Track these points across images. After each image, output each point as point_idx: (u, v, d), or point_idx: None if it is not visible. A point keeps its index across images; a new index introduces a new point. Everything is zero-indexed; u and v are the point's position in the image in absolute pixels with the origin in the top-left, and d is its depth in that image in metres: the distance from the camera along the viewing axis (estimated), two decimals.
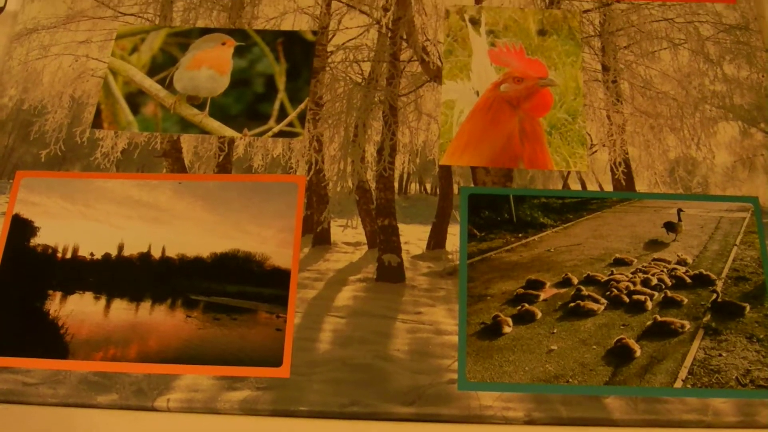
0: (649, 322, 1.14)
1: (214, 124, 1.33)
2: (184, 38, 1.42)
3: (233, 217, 1.23)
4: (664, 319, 1.14)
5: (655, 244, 1.24)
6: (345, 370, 1.11)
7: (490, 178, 1.28)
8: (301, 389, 1.09)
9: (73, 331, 1.14)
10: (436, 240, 1.24)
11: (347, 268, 1.22)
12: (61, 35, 1.44)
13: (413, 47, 1.41)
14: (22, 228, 1.23)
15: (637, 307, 1.17)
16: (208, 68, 1.37)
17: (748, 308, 1.15)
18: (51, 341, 1.14)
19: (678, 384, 1.07)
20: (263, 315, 1.16)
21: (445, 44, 1.40)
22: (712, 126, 1.33)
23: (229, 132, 1.32)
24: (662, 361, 1.10)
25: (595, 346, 1.12)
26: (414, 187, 1.31)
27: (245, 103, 1.34)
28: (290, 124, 1.33)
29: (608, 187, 1.28)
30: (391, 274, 1.21)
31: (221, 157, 1.30)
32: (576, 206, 1.28)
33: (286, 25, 1.43)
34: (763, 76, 1.37)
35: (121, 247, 1.22)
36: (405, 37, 1.42)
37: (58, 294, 1.18)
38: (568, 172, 1.29)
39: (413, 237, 1.25)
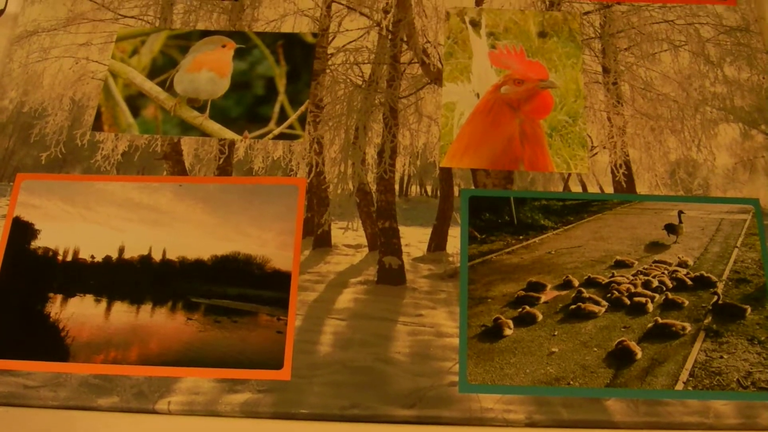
0: (650, 325, 1.14)
1: (215, 127, 1.33)
2: (185, 41, 1.41)
3: (234, 220, 1.23)
4: (665, 321, 1.14)
5: (655, 246, 1.24)
6: (346, 372, 1.11)
7: (491, 180, 1.28)
8: (302, 392, 1.09)
9: (73, 333, 1.14)
10: (437, 242, 1.24)
11: (348, 271, 1.22)
12: (62, 38, 1.44)
13: (413, 49, 1.41)
14: (22, 230, 1.23)
15: (638, 310, 1.17)
16: (209, 71, 1.37)
17: (749, 310, 1.15)
18: (52, 344, 1.14)
19: (679, 386, 1.07)
20: (264, 317, 1.16)
21: (446, 46, 1.40)
22: (713, 128, 1.33)
23: (229, 134, 1.32)
24: (663, 363, 1.10)
25: (596, 349, 1.12)
26: (414, 190, 1.31)
27: (246, 106, 1.34)
28: (291, 127, 1.32)
29: (609, 189, 1.28)
30: (391, 276, 1.21)
31: (222, 160, 1.30)
32: (577, 208, 1.27)
33: (287, 28, 1.43)
34: (763, 78, 1.37)
35: (121, 250, 1.22)
36: (405, 39, 1.42)
37: (59, 297, 1.18)
38: (569, 174, 1.29)
39: (414, 239, 1.25)
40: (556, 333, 1.14)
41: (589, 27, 1.42)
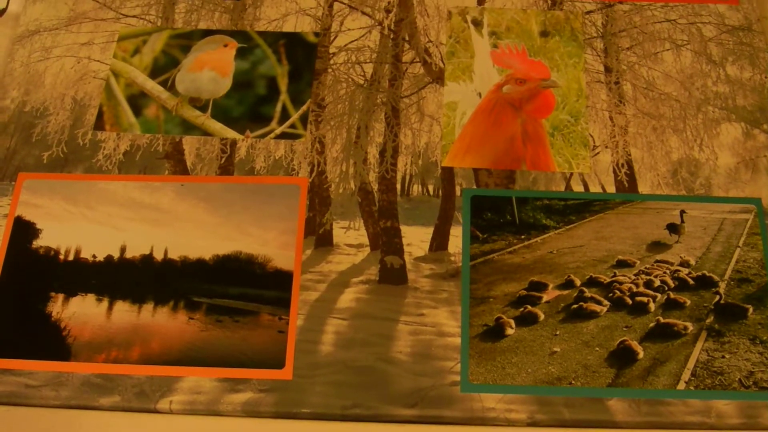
0: (651, 324, 1.14)
1: (216, 126, 1.33)
2: (186, 40, 1.41)
3: (235, 219, 1.23)
4: (666, 320, 1.14)
5: (657, 246, 1.24)
6: (347, 372, 1.11)
7: (493, 179, 1.27)
8: (304, 391, 1.09)
9: (75, 333, 1.14)
10: (439, 242, 1.24)
11: (349, 270, 1.22)
12: (63, 37, 1.44)
13: (415, 49, 1.40)
14: (24, 230, 1.23)
15: (640, 309, 1.17)
16: (210, 70, 1.37)
17: (751, 310, 1.15)
18: (53, 343, 1.14)
19: (681, 386, 1.07)
20: (265, 317, 1.16)
21: (448, 46, 1.40)
22: (715, 127, 1.33)
23: (231, 134, 1.32)
24: (665, 363, 1.10)
25: (597, 348, 1.11)
26: (416, 189, 1.31)
27: (247, 105, 1.34)
28: (292, 126, 1.32)
29: (611, 189, 1.28)
30: (393, 276, 1.21)
31: (223, 159, 1.30)
32: (579, 208, 1.27)
33: (288, 27, 1.43)
34: (766, 78, 1.37)
35: (123, 249, 1.22)
36: (407, 38, 1.42)
37: (61, 296, 1.18)
38: (571, 174, 1.29)
39: (416, 239, 1.25)
40: (557, 333, 1.14)
41: (591, 26, 1.42)
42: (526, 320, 1.15)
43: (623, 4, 1.44)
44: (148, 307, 1.17)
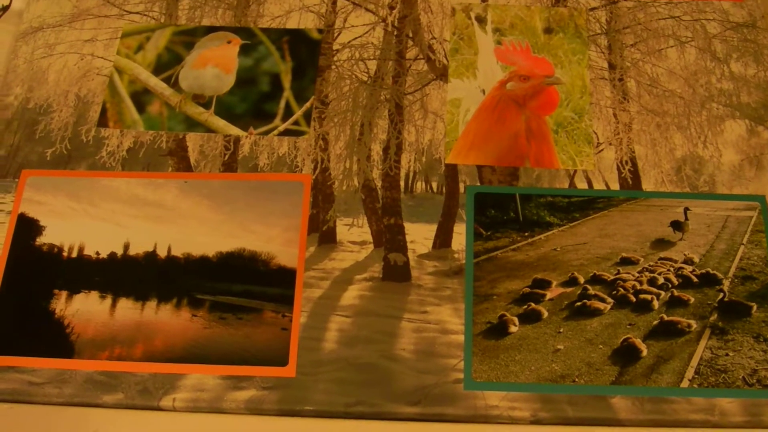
0: (655, 322, 1.14)
1: (220, 123, 1.33)
2: (190, 36, 1.41)
3: (239, 216, 1.23)
4: (670, 318, 1.14)
5: (661, 243, 1.24)
6: (351, 369, 1.11)
7: (497, 176, 1.27)
8: (307, 389, 1.09)
9: (78, 330, 1.14)
10: (442, 239, 1.24)
11: (353, 267, 1.22)
12: (67, 34, 1.44)
13: (419, 45, 1.40)
14: (27, 227, 1.23)
15: (644, 307, 1.17)
16: (214, 67, 1.37)
17: (755, 307, 1.15)
18: (56, 340, 1.14)
19: (684, 384, 1.07)
20: (269, 314, 1.16)
21: (451, 42, 1.39)
22: (719, 124, 1.33)
23: (234, 130, 1.32)
24: (669, 360, 1.10)
25: (601, 346, 1.11)
26: (420, 186, 1.31)
27: (251, 102, 1.34)
28: (296, 123, 1.32)
29: (615, 186, 1.28)
30: (397, 273, 1.21)
31: (227, 156, 1.30)
32: (582, 205, 1.27)
33: (292, 23, 1.43)
34: None
35: (126, 246, 1.22)
36: (411, 35, 1.41)
37: (64, 293, 1.18)
38: (575, 171, 1.28)
39: (419, 236, 1.25)
40: (561, 330, 1.14)
41: (595, 23, 1.42)
42: (529, 318, 1.15)
43: (627, 0, 1.44)
44: (152, 304, 1.17)
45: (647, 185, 1.28)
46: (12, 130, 1.35)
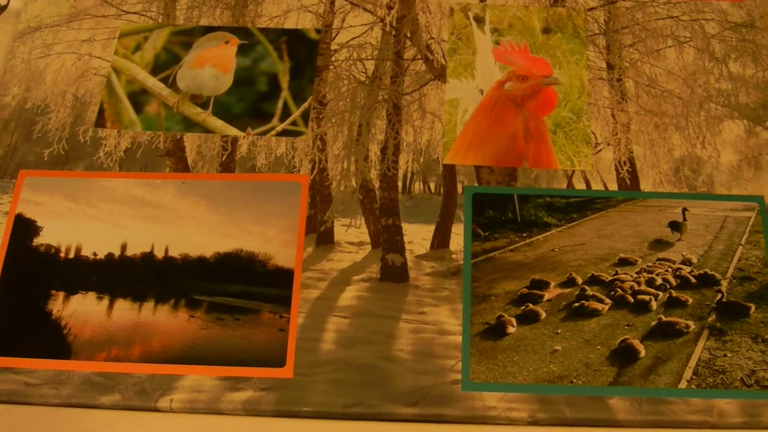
0: (653, 323, 1.14)
1: (218, 123, 1.32)
2: (188, 36, 1.41)
3: (236, 217, 1.23)
4: (668, 319, 1.14)
5: (659, 244, 1.23)
6: (348, 370, 1.11)
7: (495, 177, 1.27)
8: (305, 390, 1.09)
9: (75, 331, 1.14)
10: (440, 239, 1.24)
11: (351, 268, 1.22)
12: (64, 33, 1.44)
13: (417, 45, 1.40)
14: (25, 227, 1.23)
15: (642, 307, 1.16)
16: (212, 67, 1.37)
17: (753, 308, 1.15)
18: (54, 341, 1.14)
19: (682, 384, 1.07)
20: (266, 315, 1.15)
21: (450, 42, 1.39)
22: (718, 125, 1.33)
23: (232, 131, 1.32)
24: (667, 361, 1.10)
25: (599, 347, 1.11)
26: (418, 187, 1.30)
27: (248, 102, 1.34)
28: (294, 123, 1.32)
29: (613, 187, 1.28)
30: (394, 273, 1.21)
31: (224, 156, 1.30)
32: (580, 206, 1.27)
33: (290, 24, 1.43)
34: None
35: (123, 247, 1.21)
36: (409, 35, 1.41)
37: (61, 294, 1.18)
38: (573, 171, 1.28)
39: (417, 236, 1.25)
40: (559, 331, 1.14)
41: (594, 23, 1.42)
42: (527, 318, 1.15)
43: (626, 0, 1.44)
44: (149, 305, 1.17)
45: (645, 186, 1.28)
46: (9, 130, 1.35)
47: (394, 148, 1.31)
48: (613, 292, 1.18)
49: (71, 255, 1.21)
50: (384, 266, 1.22)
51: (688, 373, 1.08)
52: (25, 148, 1.33)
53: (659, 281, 1.19)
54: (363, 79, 1.38)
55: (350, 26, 1.43)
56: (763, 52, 1.38)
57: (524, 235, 1.25)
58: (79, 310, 1.16)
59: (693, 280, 1.19)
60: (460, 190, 1.27)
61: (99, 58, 1.41)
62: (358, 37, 1.42)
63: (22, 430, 1.09)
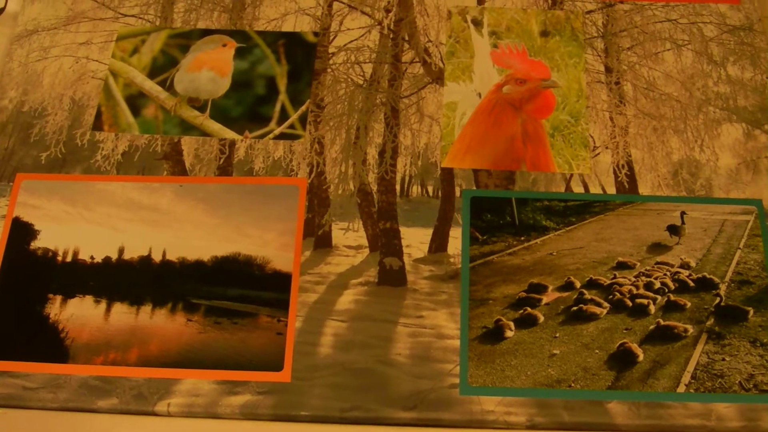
0: (652, 326, 1.14)
1: (215, 127, 1.32)
2: (185, 39, 1.41)
3: (234, 220, 1.23)
4: (667, 323, 1.14)
5: (658, 248, 1.23)
6: (346, 374, 1.10)
7: (493, 180, 1.27)
8: (302, 394, 1.09)
9: (73, 335, 1.14)
10: (438, 243, 1.24)
11: (348, 272, 1.21)
12: (62, 37, 1.44)
13: (415, 48, 1.40)
14: (22, 231, 1.23)
15: (640, 311, 1.16)
16: (209, 70, 1.36)
17: (751, 312, 1.15)
18: (51, 345, 1.13)
19: (681, 389, 1.07)
20: (264, 319, 1.15)
21: (447, 45, 1.39)
22: (716, 128, 1.33)
23: (230, 134, 1.31)
24: (665, 365, 1.09)
25: (597, 351, 1.11)
26: (416, 190, 1.30)
27: (246, 105, 1.34)
28: (291, 127, 1.32)
29: (611, 190, 1.28)
30: (392, 277, 1.21)
31: (222, 160, 1.30)
32: (579, 209, 1.27)
33: (288, 27, 1.43)
34: (767, 78, 1.36)
35: (121, 251, 1.21)
36: (407, 38, 1.41)
37: (59, 298, 1.17)
38: (571, 175, 1.28)
39: (415, 240, 1.24)
40: (557, 335, 1.13)
41: (592, 26, 1.42)
42: (525, 322, 1.15)
43: (624, 3, 1.44)
44: (147, 308, 1.17)
45: (644, 189, 1.28)
46: (6, 133, 1.35)
47: (392, 152, 1.31)
48: (611, 296, 1.18)
49: (68, 258, 1.21)
50: (382, 270, 1.22)
51: (686, 377, 1.08)
52: (22, 152, 1.33)
53: (658, 285, 1.19)
54: (361, 82, 1.38)
55: (348, 29, 1.43)
56: (762, 55, 1.38)
57: (522, 238, 1.25)
58: (77, 314, 1.16)
59: (691, 283, 1.19)
60: (458, 193, 1.27)
61: (96, 61, 1.41)
62: (355, 40, 1.42)
63: None
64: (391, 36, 1.41)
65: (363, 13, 1.44)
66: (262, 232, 1.22)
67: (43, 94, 1.38)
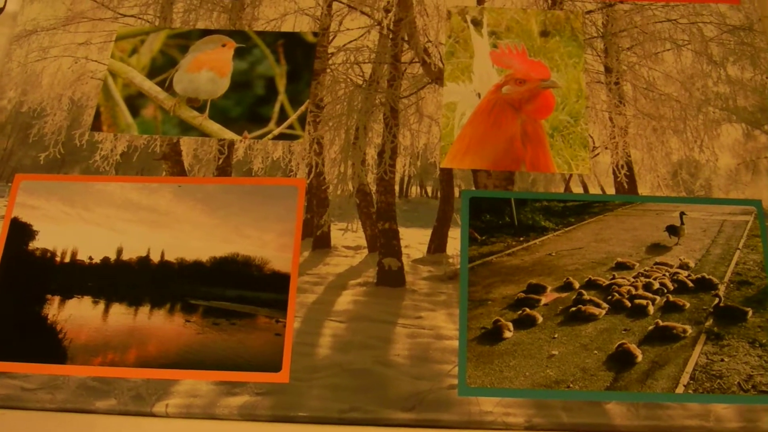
0: (650, 327, 1.14)
1: (214, 127, 1.32)
2: (184, 40, 1.41)
3: (233, 221, 1.23)
4: (665, 323, 1.14)
5: (657, 248, 1.23)
6: (345, 375, 1.10)
7: (492, 181, 1.27)
8: (301, 395, 1.09)
9: (71, 335, 1.14)
10: (437, 244, 1.24)
11: (347, 272, 1.21)
12: (61, 37, 1.44)
13: (414, 49, 1.40)
14: (20, 231, 1.23)
15: (639, 312, 1.16)
16: (208, 70, 1.36)
17: (750, 313, 1.15)
18: (49, 346, 1.13)
19: (680, 389, 1.07)
20: (262, 319, 1.15)
21: (447, 46, 1.39)
22: (716, 128, 1.32)
23: (229, 134, 1.31)
24: (664, 366, 1.09)
25: (596, 351, 1.11)
26: (415, 191, 1.30)
27: (245, 106, 1.34)
28: (290, 127, 1.32)
29: (610, 190, 1.28)
30: (391, 278, 1.21)
31: (221, 160, 1.30)
32: (578, 209, 1.27)
33: (287, 27, 1.42)
34: (767, 78, 1.36)
35: (120, 251, 1.21)
36: (406, 38, 1.41)
37: (57, 298, 1.17)
38: (570, 175, 1.28)
39: (414, 241, 1.24)
40: (556, 335, 1.13)
41: (592, 26, 1.41)
42: (524, 323, 1.15)
43: (624, 3, 1.43)
44: (145, 309, 1.16)
45: (643, 189, 1.27)
46: (5, 133, 1.35)
47: (391, 152, 1.31)
48: (610, 297, 1.18)
49: (67, 259, 1.21)
50: (381, 270, 1.22)
51: (685, 378, 1.08)
52: (21, 152, 1.33)
53: (656, 285, 1.19)
54: (360, 82, 1.37)
55: (347, 29, 1.43)
56: (761, 56, 1.38)
57: (521, 239, 1.24)
58: (75, 315, 1.16)
59: (690, 284, 1.19)
60: (457, 194, 1.27)
61: (95, 61, 1.41)
62: (355, 40, 1.42)
63: None
64: (391, 36, 1.41)
65: (362, 13, 1.44)
66: (261, 233, 1.22)
67: (42, 94, 1.38)
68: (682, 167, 1.29)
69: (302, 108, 1.33)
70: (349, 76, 1.38)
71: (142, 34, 1.43)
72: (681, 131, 1.32)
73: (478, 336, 1.13)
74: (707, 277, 1.20)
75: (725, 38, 1.40)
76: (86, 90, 1.37)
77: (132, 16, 1.45)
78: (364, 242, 1.25)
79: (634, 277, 1.20)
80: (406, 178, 1.30)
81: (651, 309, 1.16)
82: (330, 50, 1.40)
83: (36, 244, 1.22)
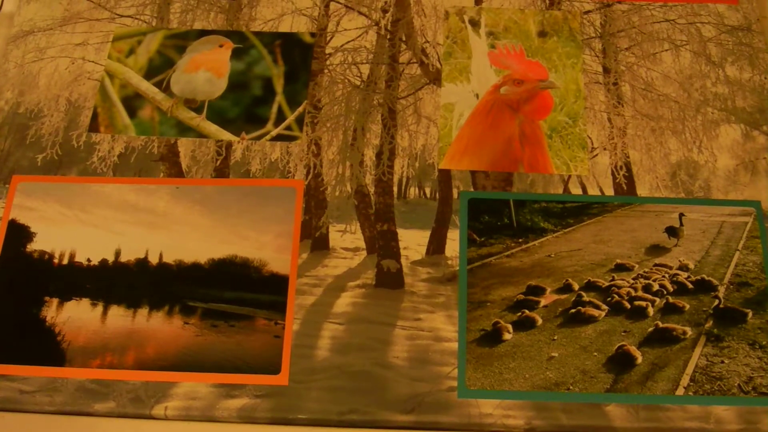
0: (650, 329, 1.14)
1: (212, 128, 1.32)
2: (182, 40, 1.41)
3: (231, 222, 1.22)
4: (665, 325, 1.14)
5: (656, 249, 1.23)
6: (343, 377, 1.10)
7: (490, 182, 1.27)
8: (300, 397, 1.08)
9: (69, 338, 1.14)
10: (436, 245, 1.23)
11: (346, 274, 1.21)
12: (58, 37, 1.43)
13: (412, 49, 1.40)
14: (18, 233, 1.22)
15: (639, 314, 1.16)
16: (206, 71, 1.36)
17: (750, 314, 1.15)
18: (47, 348, 1.13)
19: (680, 391, 1.07)
20: (261, 322, 1.15)
21: (445, 46, 1.39)
22: (714, 129, 1.32)
23: (226, 135, 1.31)
24: (664, 368, 1.09)
25: (596, 353, 1.11)
26: (413, 192, 1.30)
27: (243, 106, 1.34)
28: (288, 128, 1.32)
29: (609, 191, 1.27)
30: (390, 280, 1.21)
31: (219, 161, 1.30)
32: (577, 211, 1.27)
33: (284, 27, 1.42)
34: (765, 78, 1.36)
35: (118, 253, 1.21)
36: (404, 38, 1.41)
37: (55, 300, 1.17)
38: (569, 176, 1.28)
39: (412, 242, 1.24)
40: (555, 337, 1.13)
41: (590, 26, 1.41)
42: (523, 325, 1.15)
43: (622, 3, 1.43)
44: (143, 311, 1.16)
45: (642, 191, 1.27)
46: (2, 135, 1.34)
47: (390, 153, 1.31)
48: (609, 298, 1.18)
49: (65, 261, 1.20)
50: (379, 272, 1.21)
51: (685, 380, 1.08)
52: (18, 153, 1.33)
53: (656, 287, 1.19)
54: (358, 83, 1.37)
55: (345, 30, 1.42)
56: (760, 56, 1.38)
57: (520, 240, 1.24)
58: (73, 317, 1.16)
59: (690, 285, 1.19)
60: (455, 195, 1.27)
61: (92, 62, 1.40)
62: (352, 40, 1.41)
63: None
64: (388, 37, 1.41)
65: (360, 13, 1.44)
66: (259, 234, 1.21)
67: (39, 95, 1.38)
68: (680, 168, 1.29)
69: (300, 109, 1.33)
70: (346, 76, 1.38)
71: (139, 34, 1.42)
72: (680, 132, 1.32)
73: (477, 338, 1.13)
74: (707, 278, 1.19)
75: (724, 38, 1.40)
76: (83, 91, 1.37)
77: (129, 16, 1.45)
78: (362, 244, 1.25)
79: (633, 279, 1.20)
80: (404, 180, 1.30)
81: (651, 310, 1.16)
82: (327, 51, 1.40)
83: (34, 246, 1.21)
